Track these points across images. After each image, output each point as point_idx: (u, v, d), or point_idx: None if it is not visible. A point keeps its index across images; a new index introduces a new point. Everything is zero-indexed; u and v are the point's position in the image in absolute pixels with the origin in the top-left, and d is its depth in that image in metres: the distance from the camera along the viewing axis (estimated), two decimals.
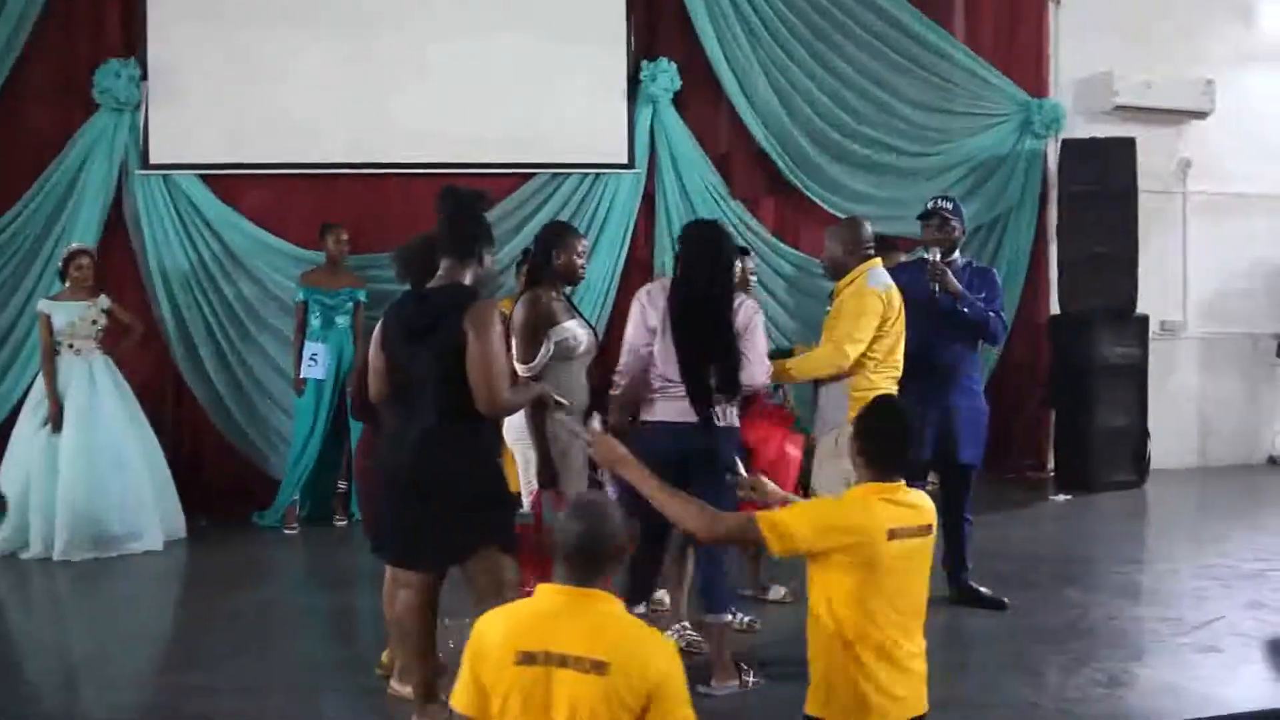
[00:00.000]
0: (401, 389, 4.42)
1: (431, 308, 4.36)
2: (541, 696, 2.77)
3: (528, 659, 2.78)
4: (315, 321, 8.36)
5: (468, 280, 4.40)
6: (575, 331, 5.19)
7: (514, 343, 5.13)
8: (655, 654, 2.81)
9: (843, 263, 5.54)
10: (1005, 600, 6.20)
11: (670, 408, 5.03)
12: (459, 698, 2.90)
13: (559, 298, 5.30)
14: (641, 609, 5.31)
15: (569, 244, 5.28)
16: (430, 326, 4.30)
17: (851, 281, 5.49)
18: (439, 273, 4.43)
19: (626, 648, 2.79)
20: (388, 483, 4.43)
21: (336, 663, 5.65)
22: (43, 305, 7.87)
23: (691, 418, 4.96)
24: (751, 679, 5.08)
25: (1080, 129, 10.14)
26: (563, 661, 2.76)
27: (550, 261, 5.24)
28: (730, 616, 5.35)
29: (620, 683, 2.74)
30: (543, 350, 5.09)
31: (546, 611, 2.86)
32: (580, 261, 5.33)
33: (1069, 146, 9.92)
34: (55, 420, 7.63)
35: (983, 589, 6.29)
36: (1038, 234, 10.21)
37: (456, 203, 4.49)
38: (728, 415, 5.08)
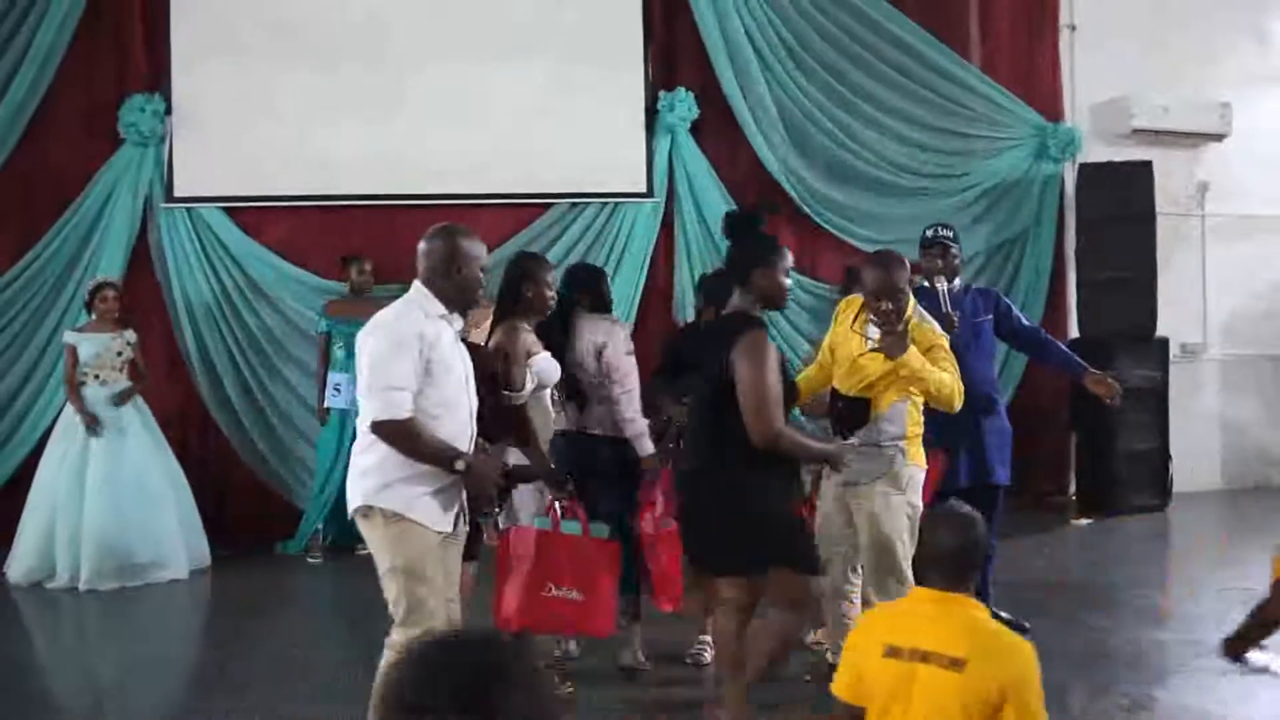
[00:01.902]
0: (691, 409, 4.59)
1: (711, 337, 4.51)
2: (904, 689, 3.03)
3: (894, 652, 3.06)
4: (339, 352, 8.43)
5: (749, 303, 4.46)
6: (549, 364, 5.29)
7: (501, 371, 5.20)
8: (1013, 655, 3.06)
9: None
10: (1026, 624, 6.19)
11: None
12: (838, 685, 3.21)
13: (529, 329, 5.38)
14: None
15: (537, 276, 5.36)
16: (706, 355, 4.42)
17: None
18: (734, 297, 4.52)
19: (985, 648, 3.05)
20: (684, 500, 4.61)
21: (361, 692, 5.68)
22: (69, 337, 7.97)
23: None
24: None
25: (1097, 153, 10.16)
26: (925, 657, 3.03)
27: (519, 295, 5.32)
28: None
29: (975, 679, 2.99)
30: (526, 379, 5.17)
31: (917, 612, 3.14)
32: (549, 293, 5.41)
33: (1086, 170, 9.94)
34: (92, 426, 7.70)
35: (1003, 614, 6.28)
36: (1056, 258, 10.22)
37: (729, 226, 4.59)
38: None
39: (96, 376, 7.84)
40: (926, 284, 6.20)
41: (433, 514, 3.99)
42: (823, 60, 9.69)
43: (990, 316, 6.24)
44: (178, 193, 8.91)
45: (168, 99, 8.86)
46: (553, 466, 5.16)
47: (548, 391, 5.44)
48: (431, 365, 3.97)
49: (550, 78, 9.20)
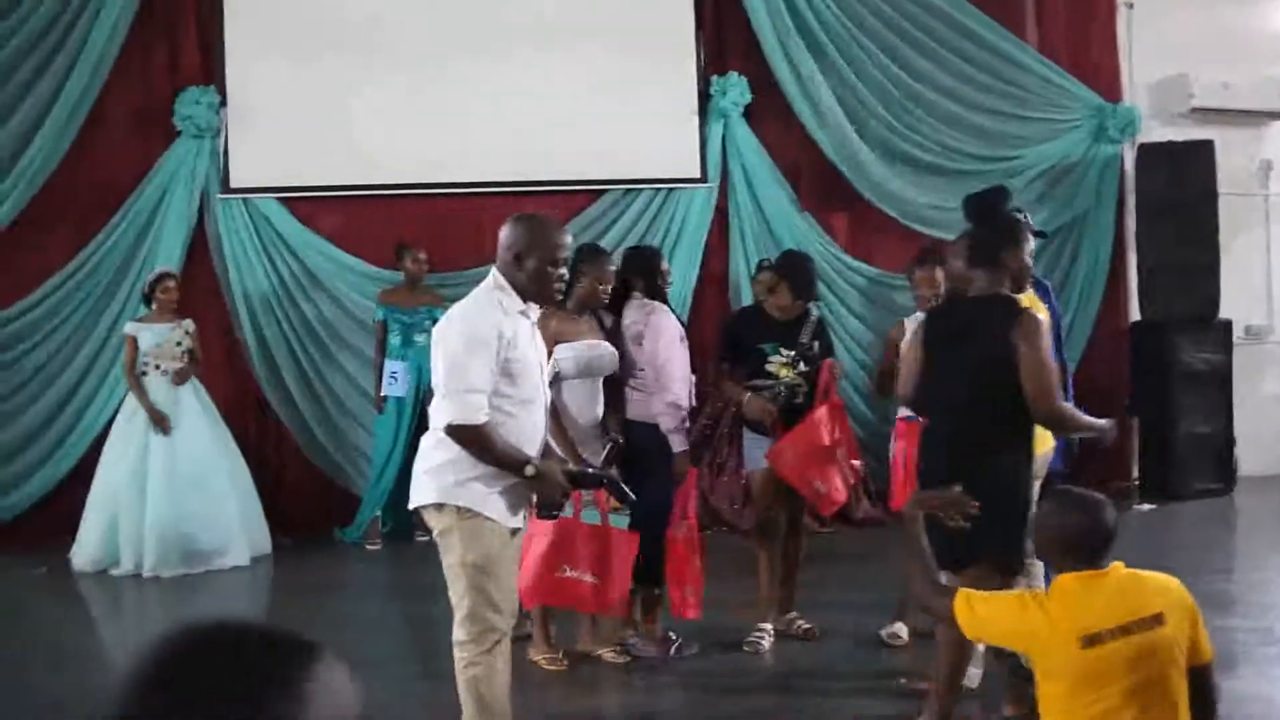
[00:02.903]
0: (934, 392, 4.53)
1: (975, 316, 4.46)
2: (1116, 669, 3.05)
3: (1093, 640, 3.07)
4: (395, 340, 8.47)
5: (999, 284, 4.47)
6: (576, 352, 5.33)
7: None
8: (1175, 584, 3.21)
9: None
10: None
11: None
12: (966, 625, 3.28)
13: (578, 316, 5.44)
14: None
15: (585, 269, 5.41)
16: (971, 334, 4.40)
17: None
18: (977, 279, 4.51)
19: (1164, 592, 3.16)
20: (922, 483, 4.54)
21: (417, 676, 5.72)
22: (129, 327, 8.06)
23: None
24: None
25: (1157, 133, 10.01)
26: (1126, 631, 3.07)
27: (570, 286, 5.31)
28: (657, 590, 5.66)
29: (1176, 623, 3.11)
30: (549, 367, 5.14)
31: (1091, 596, 3.14)
32: (601, 287, 5.46)
33: (1146, 151, 9.80)
34: (161, 424, 7.80)
35: None
36: (1116, 240, 10.09)
37: (973, 209, 4.59)
38: None
39: (157, 366, 7.93)
40: None
41: (505, 511, 3.96)
42: (878, 42, 9.60)
43: (1046, 305, 6.16)
44: (233, 184, 8.97)
45: (222, 91, 8.93)
46: (607, 458, 5.21)
47: (586, 381, 5.43)
48: (511, 364, 3.90)
49: (602, 64, 9.18)
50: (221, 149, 8.97)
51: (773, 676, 5.64)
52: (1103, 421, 4.61)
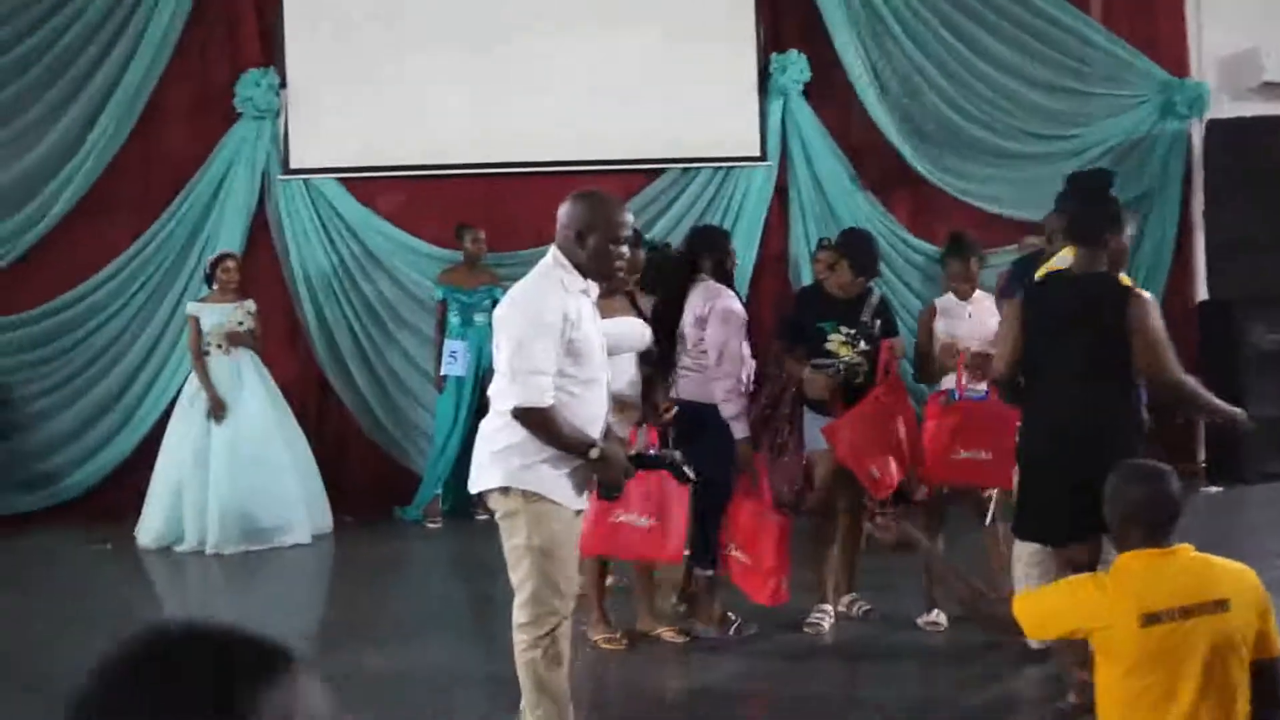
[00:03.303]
0: (1040, 371, 4.52)
1: (1085, 292, 4.48)
2: (1174, 650, 3.03)
3: (1153, 619, 3.03)
4: (454, 319, 8.49)
5: (1101, 263, 4.50)
6: (611, 330, 5.27)
7: None
8: (1249, 574, 3.17)
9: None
10: None
11: None
12: (1029, 628, 3.28)
13: (607, 295, 5.36)
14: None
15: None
16: (1081, 312, 4.43)
17: None
18: (1077, 258, 4.56)
19: (1232, 578, 3.13)
20: (1031, 461, 4.54)
21: (477, 653, 5.75)
22: (191, 308, 8.15)
23: None
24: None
25: (1226, 108, 9.81)
26: (1187, 612, 3.03)
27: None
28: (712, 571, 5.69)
29: (1241, 611, 3.07)
30: None
31: (1153, 574, 3.11)
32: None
33: (1214, 127, 9.62)
34: (218, 412, 7.87)
35: None
36: (1183, 219, 9.91)
37: (1079, 189, 4.64)
38: None
39: (219, 346, 8.00)
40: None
41: (570, 493, 3.95)
42: (939, 17, 9.45)
43: None
44: (293, 165, 9.03)
45: (282, 73, 8.97)
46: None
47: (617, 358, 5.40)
48: (575, 344, 3.87)
49: (661, 42, 9.13)
50: (281, 131, 9.03)
51: (833, 658, 5.62)
52: (1231, 408, 4.67)
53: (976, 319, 5.90)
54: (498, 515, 4.02)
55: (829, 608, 5.84)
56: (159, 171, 8.98)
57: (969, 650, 5.46)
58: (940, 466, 5.68)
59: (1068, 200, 5.11)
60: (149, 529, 7.96)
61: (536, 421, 3.81)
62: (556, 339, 3.82)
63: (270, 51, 9.03)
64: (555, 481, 3.91)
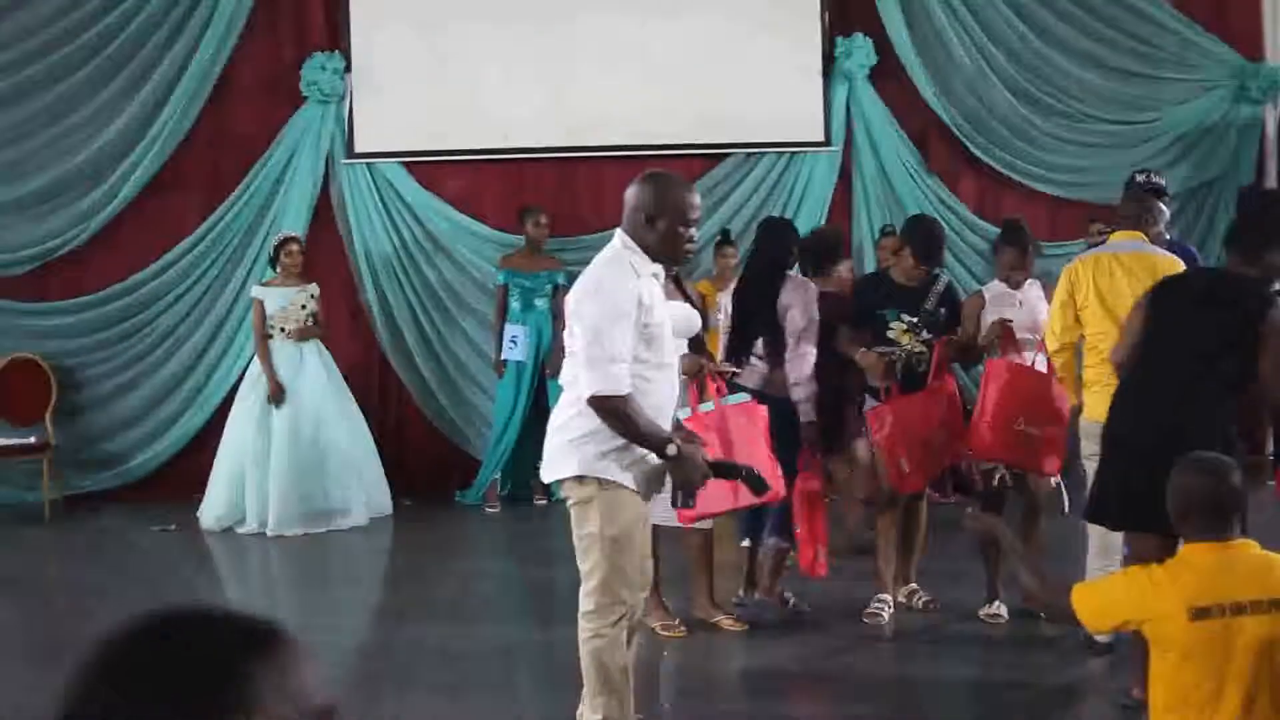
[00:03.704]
0: (1158, 355, 4.49)
1: (1222, 290, 4.50)
2: (1222, 646, 2.99)
3: (1202, 613, 3.00)
4: (515, 304, 8.49)
5: (1254, 270, 4.52)
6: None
7: None
8: None
9: None
10: None
11: None
12: (1087, 617, 3.25)
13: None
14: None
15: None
16: (1214, 305, 4.42)
17: None
18: (1230, 260, 4.66)
19: None
20: (1115, 442, 4.52)
21: (537, 638, 5.76)
22: (256, 291, 8.22)
23: None
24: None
25: None
26: (1239, 609, 3.00)
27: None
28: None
29: None
30: None
31: (1207, 567, 3.08)
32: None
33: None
34: (277, 397, 7.94)
35: None
36: None
37: (1252, 200, 4.68)
38: None
39: (282, 329, 8.06)
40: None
41: (644, 483, 3.91)
42: (1007, 1, 9.31)
43: None
44: (358, 149, 9.06)
45: (347, 57, 9.01)
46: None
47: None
48: (649, 330, 3.83)
49: (725, 25, 9.06)
50: (346, 114, 9.07)
51: (891, 648, 5.58)
52: None
53: (1027, 307, 5.79)
54: (570, 503, 3.98)
55: (888, 597, 5.79)
56: (227, 153, 9.05)
57: (1031, 641, 5.40)
58: (1001, 435, 5.47)
59: (1243, 204, 5.07)
60: (211, 510, 8.05)
61: (613, 409, 3.76)
62: (632, 325, 3.78)
63: (336, 35, 9.07)
64: (631, 469, 3.87)
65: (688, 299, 5.61)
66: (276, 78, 9.06)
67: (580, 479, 3.89)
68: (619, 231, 3.94)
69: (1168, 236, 5.88)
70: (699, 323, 5.55)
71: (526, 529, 8.12)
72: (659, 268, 3.96)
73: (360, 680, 5.28)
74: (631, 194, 3.91)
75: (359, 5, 9.02)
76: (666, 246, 3.89)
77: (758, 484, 4.12)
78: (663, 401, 3.92)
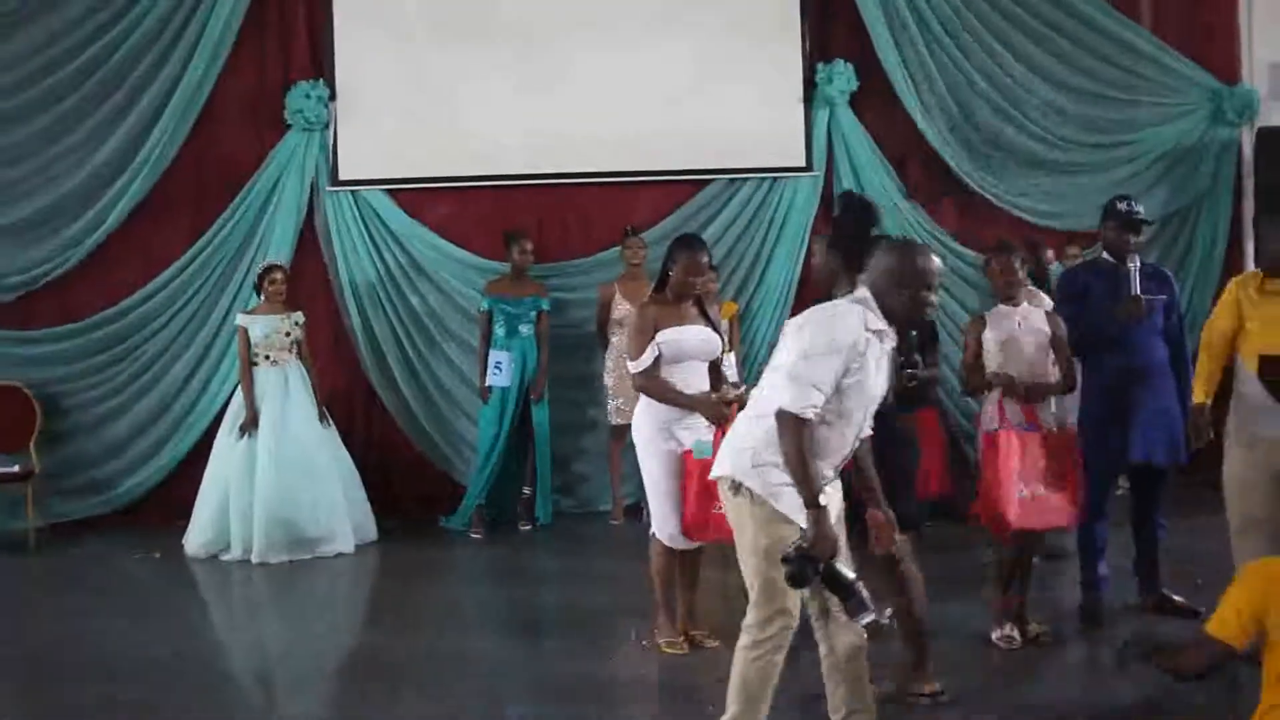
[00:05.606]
0: None
1: None
2: None
3: None
4: (500, 330, 8.52)
5: None
6: (682, 336, 5.52)
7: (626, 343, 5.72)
8: None
9: None
10: (1200, 610, 5.96)
11: None
12: (1223, 629, 3.33)
13: (675, 303, 5.60)
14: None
15: (677, 258, 5.58)
16: None
17: None
18: None
19: None
20: None
21: (522, 661, 5.77)
22: (241, 319, 8.23)
23: None
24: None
25: (1278, 115, 9.69)
26: None
27: (665, 276, 5.62)
28: None
29: None
30: (648, 352, 5.46)
31: None
32: (690, 279, 5.57)
33: (1265, 134, 9.48)
34: (249, 427, 7.98)
35: (1176, 596, 6.08)
36: (1233, 227, 9.79)
37: None
38: None
39: (267, 357, 8.09)
40: (1109, 259, 6.02)
41: (795, 506, 3.93)
42: (987, 25, 9.37)
43: (1164, 297, 6.02)
44: (342, 176, 9.10)
45: (331, 85, 9.06)
46: None
47: (689, 363, 5.55)
48: (848, 377, 3.93)
49: (706, 51, 9.13)
50: (330, 142, 9.11)
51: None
52: None
53: (1029, 325, 5.79)
54: (727, 508, 4.12)
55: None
56: (212, 180, 9.07)
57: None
58: (1013, 508, 5.50)
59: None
60: (196, 538, 8.05)
61: (792, 429, 3.86)
62: (841, 364, 3.90)
63: (320, 62, 9.12)
64: (780, 490, 3.94)
65: (709, 322, 5.69)
66: (262, 104, 9.10)
67: (736, 487, 4.03)
68: (861, 283, 4.08)
69: (1138, 259, 5.96)
70: (719, 345, 5.67)
71: (511, 554, 8.13)
72: (888, 331, 4.05)
73: (344, 706, 5.28)
74: (885, 258, 4.05)
75: (343, 32, 9.08)
76: (908, 311, 4.04)
77: (858, 605, 3.94)
78: (832, 449, 4.01)
